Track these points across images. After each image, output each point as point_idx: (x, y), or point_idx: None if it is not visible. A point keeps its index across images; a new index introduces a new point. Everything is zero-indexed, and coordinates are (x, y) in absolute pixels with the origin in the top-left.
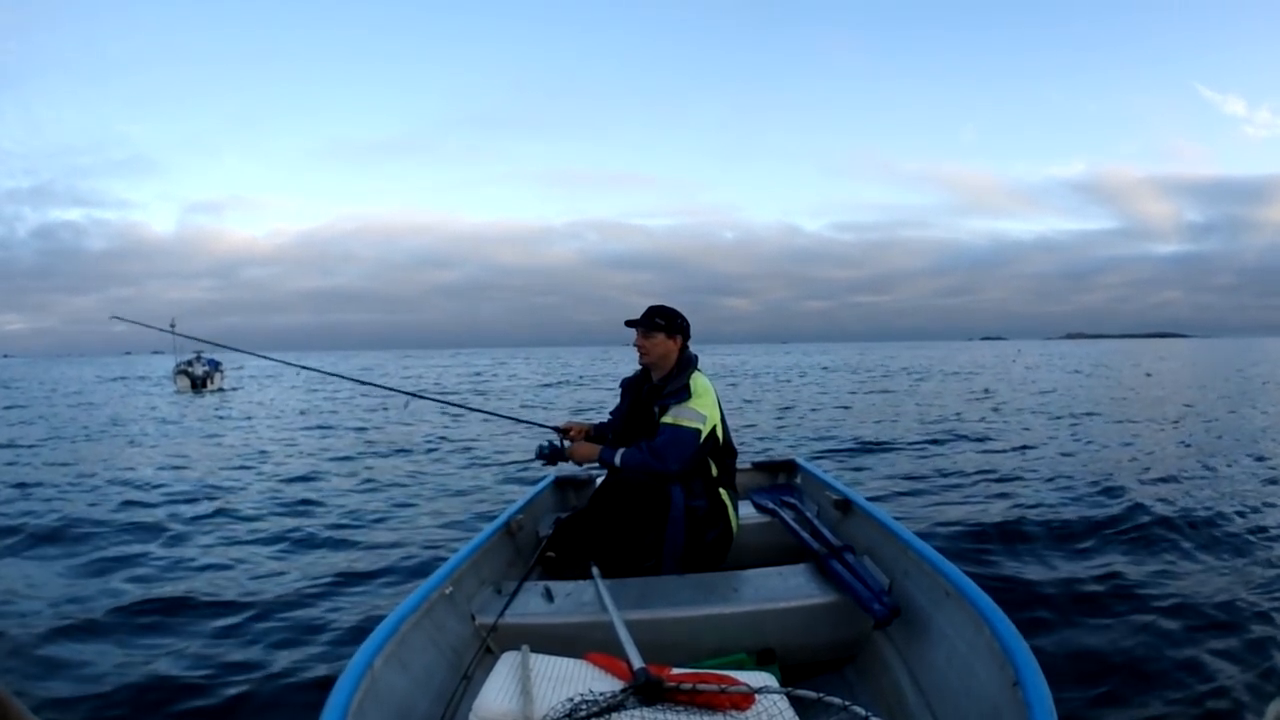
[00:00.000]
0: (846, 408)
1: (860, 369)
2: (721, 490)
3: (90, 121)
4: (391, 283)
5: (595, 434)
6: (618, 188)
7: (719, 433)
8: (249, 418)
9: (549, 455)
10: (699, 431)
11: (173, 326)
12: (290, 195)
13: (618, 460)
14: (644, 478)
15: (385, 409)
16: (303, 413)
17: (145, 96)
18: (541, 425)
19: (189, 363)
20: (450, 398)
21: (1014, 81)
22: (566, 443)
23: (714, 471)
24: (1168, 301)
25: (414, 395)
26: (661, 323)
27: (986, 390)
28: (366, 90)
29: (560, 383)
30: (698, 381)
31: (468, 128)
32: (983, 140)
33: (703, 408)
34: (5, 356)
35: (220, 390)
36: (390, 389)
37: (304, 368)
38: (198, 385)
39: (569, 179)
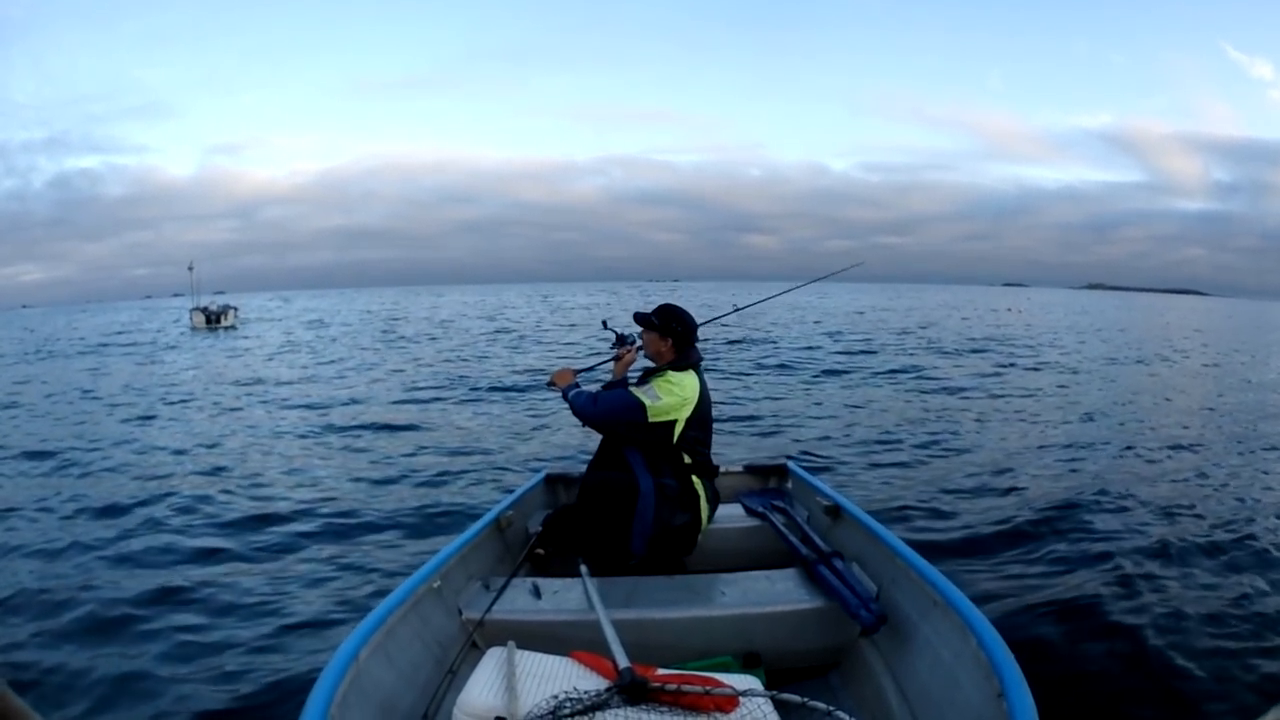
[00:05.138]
0: None
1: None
2: (694, 478)
3: (104, 68)
4: (414, 220)
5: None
6: (644, 123)
7: (678, 426)
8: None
9: (616, 341)
10: (644, 406)
11: (190, 268)
12: (311, 134)
13: (569, 394)
14: (580, 419)
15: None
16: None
17: (159, 39)
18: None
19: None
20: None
21: (1040, 29)
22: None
23: (686, 460)
24: (1190, 259)
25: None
26: (656, 321)
27: None
28: (388, 24)
29: None
30: (673, 374)
31: (491, 62)
32: (1009, 87)
33: (665, 393)
34: (24, 307)
35: (232, 327)
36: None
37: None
38: (211, 321)
39: (594, 114)
